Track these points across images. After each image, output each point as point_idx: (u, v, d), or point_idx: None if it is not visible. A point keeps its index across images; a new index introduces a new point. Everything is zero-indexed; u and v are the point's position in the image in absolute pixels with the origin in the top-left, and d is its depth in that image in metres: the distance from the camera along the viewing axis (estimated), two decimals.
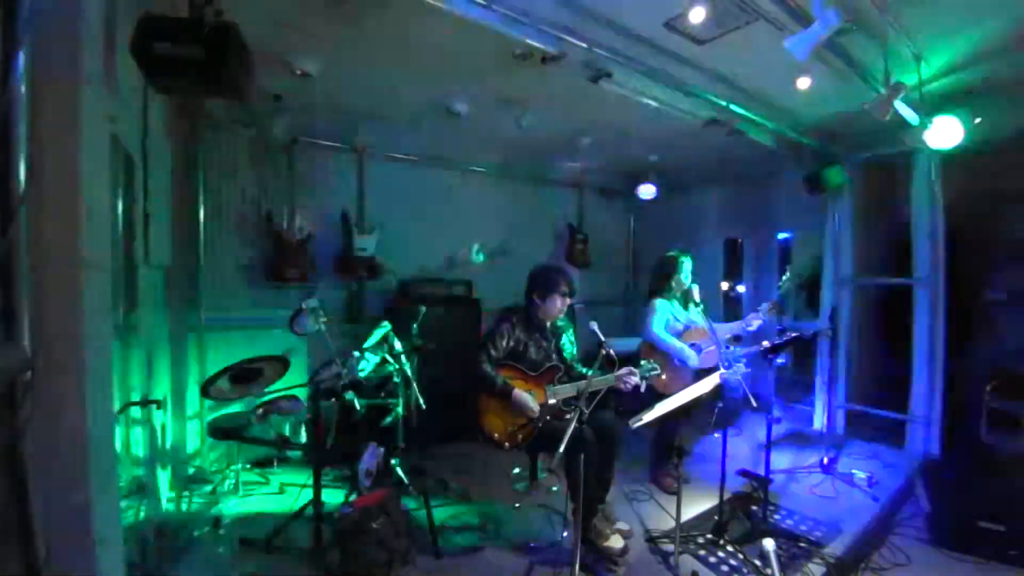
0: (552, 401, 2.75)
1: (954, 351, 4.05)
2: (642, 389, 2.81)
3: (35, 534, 1.29)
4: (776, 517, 3.09)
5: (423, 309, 3.47)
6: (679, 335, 3.49)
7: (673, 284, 3.52)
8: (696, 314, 3.55)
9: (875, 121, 3.05)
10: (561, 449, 1.99)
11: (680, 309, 3.59)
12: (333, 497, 3.20)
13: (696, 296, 3.33)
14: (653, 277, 3.64)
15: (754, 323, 3.54)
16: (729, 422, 3.05)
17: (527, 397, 2.71)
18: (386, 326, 3.16)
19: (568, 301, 2.97)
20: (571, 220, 6.17)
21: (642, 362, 2.85)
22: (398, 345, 3.15)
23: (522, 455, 3.19)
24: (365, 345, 3.21)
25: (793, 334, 3.25)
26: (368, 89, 3.66)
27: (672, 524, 2.61)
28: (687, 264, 3.52)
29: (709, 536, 2.78)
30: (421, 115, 4.14)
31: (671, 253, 3.58)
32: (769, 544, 2.06)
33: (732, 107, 3.72)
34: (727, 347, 3.34)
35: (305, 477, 3.06)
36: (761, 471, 3.09)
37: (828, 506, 3.22)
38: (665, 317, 3.49)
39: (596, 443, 2.52)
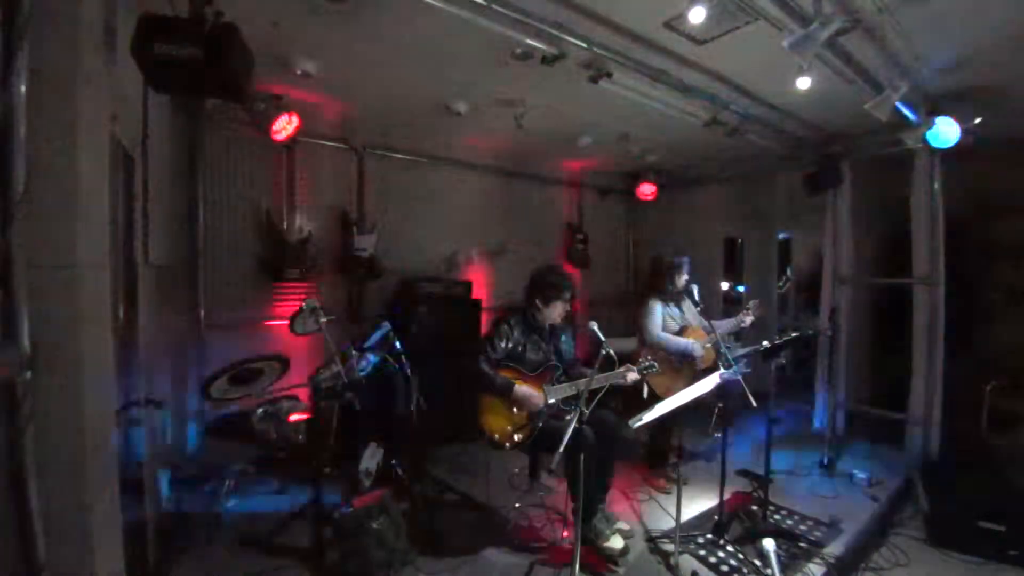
0: (551, 401, 2.75)
1: (954, 351, 4.05)
2: (644, 391, 2.81)
3: (35, 534, 1.29)
4: (776, 517, 3.09)
5: (423, 309, 3.46)
6: (676, 336, 3.48)
7: (669, 286, 3.51)
8: (694, 314, 3.56)
9: (875, 121, 3.05)
10: (561, 449, 1.99)
11: (675, 309, 3.59)
12: (333, 497, 3.21)
13: (695, 296, 3.33)
14: (649, 278, 3.63)
15: (747, 320, 3.54)
16: (729, 422, 3.05)
17: (528, 389, 2.71)
18: (386, 326, 3.16)
19: (569, 307, 2.97)
20: (571, 220, 6.17)
21: (640, 359, 2.85)
22: (398, 345, 3.15)
23: (522, 455, 3.19)
24: (365, 345, 3.20)
25: (793, 334, 3.25)
26: (368, 89, 3.66)
27: (672, 524, 2.61)
28: (684, 266, 3.51)
29: (709, 536, 2.78)
30: (421, 115, 4.14)
31: (667, 255, 3.57)
32: (769, 544, 2.06)
33: (732, 107, 3.73)
34: (726, 346, 3.34)
35: (305, 477, 3.06)
36: (761, 471, 3.09)
37: (828, 506, 3.22)
38: (662, 318, 3.48)
39: (596, 443, 2.52)
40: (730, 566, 2.56)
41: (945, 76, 3.24)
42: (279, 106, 3.52)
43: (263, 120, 3.40)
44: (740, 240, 6.25)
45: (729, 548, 2.68)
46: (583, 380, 2.76)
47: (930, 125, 3.36)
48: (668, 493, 3.40)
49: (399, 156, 4.70)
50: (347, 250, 4.25)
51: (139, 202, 2.48)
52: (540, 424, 2.70)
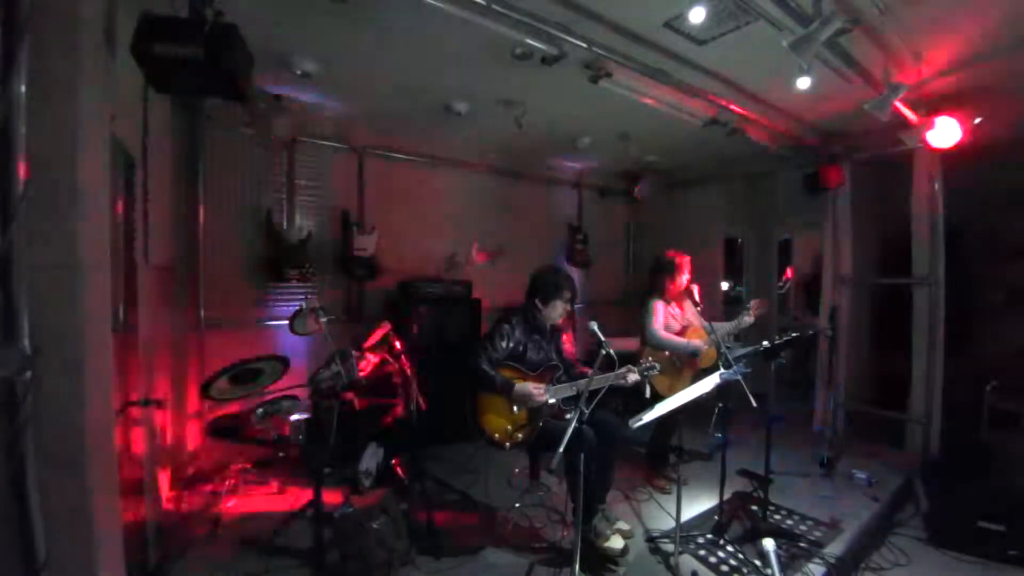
0: (552, 400, 2.75)
1: (954, 351, 4.05)
2: (645, 390, 2.80)
3: (35, 533, 1.29)
4: (776, 517, 3.09)
5: (423, 309, 3.46)
6: (677, 335, 3.49)
7: (670, 285, 3.51)
8: (694, 314, 3.56)
9: (875, 121, 3.05)
10: (561, 449, 1.99)
11: (676, 309, 3.59)
12: (333, 497, 3.20)
13: (696, 296, 3.32)
14: (650, 278, 3.62)
15: (747, 320, 3.54)
16: (729, 422, 3.05)
17: (528, 386, 2.70)
18: (386, 326, 3.16)
19: (569, 307, 2.97)
20: (571, 220, 6.17)
21: (640, 360, 2.85)
22: (398, 345, 3.15)
23: (522, 455, 3.19)
24: (365, 345, 3.20)
25: (793, 334, 3.25)
26: (368, 89, 3.66)
27: (672, 524, 2.61)
28: (685, 265, 3.51)
29: (709, 536, 2.78)
30: (421, 115, 4.14)
31: (669, 255, 3.56)
32: (769, 544, 2.05)
33: (732, 107, 3.73)
34: (727, 346, 3.33)
35: (305, 477, 3.06)
36: (761, 471, 3.09)
37: (828, 506, 3.21)
38: (663, 318, 3.48)
39: (596, 443, 2.52)
40: (730, 566, 2.56)
41: (945, 76, 3.24)
42: (279, 106, 3.52)
43: (263, 120, 3.41)
44: (740, 240, 6.25)
45: (729, 548, 2.68)
46: (583, 380, 2.76)
47: (930, 125, 3.36)
48: (668, 493, 3.40)
49: (399, 156, 4.70)
50: (347, 250, 4.25)
51: (139, 202, 2.48)
52: (540, 424, 2.70)
